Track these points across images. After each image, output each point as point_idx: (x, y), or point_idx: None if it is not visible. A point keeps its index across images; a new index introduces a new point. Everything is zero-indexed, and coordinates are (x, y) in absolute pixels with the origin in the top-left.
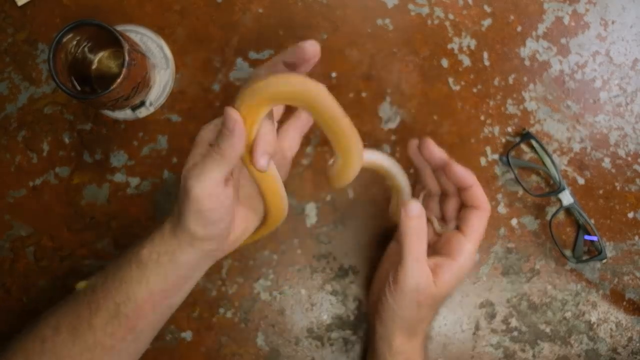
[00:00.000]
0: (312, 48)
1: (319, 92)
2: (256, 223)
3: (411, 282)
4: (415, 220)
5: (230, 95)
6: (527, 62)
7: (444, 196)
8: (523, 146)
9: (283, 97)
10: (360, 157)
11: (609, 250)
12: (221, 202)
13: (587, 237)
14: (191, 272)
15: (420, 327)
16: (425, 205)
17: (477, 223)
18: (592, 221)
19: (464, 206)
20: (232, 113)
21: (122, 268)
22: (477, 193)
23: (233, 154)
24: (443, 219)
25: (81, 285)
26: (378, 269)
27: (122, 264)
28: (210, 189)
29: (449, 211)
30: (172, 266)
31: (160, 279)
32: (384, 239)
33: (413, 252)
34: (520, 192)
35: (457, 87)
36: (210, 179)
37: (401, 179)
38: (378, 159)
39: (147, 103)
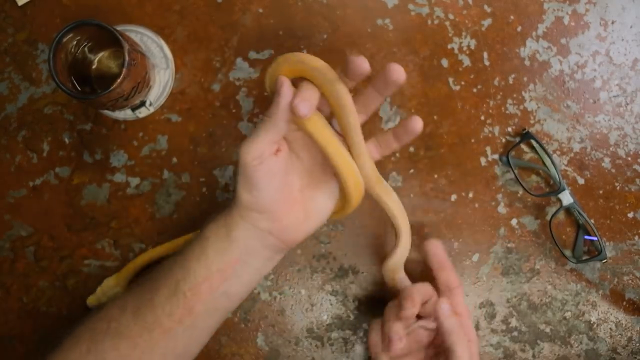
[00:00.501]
0: (396, 71)
1: (329, 72)
2: (321, 216)
3: None
4: (453, 318)
5: (231, 95)
6: (527, 62)
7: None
8: (523, 146)
9: (302, 70)
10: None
11: (609, 250)
12: (268, 168)
13: (587, 237)
14: (245, 254)
15: None
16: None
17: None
18: (592, 221)
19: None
20: (281, 77)
21: (187, 246)
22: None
23: (280, 115)
24: None
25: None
26: (375, 327)
27: (188, 243)
28: (258, 151)
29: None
30: (228, 242)
31: (218, 256)
32: (384, 238)
33: (464, 354)
34: (520, 192)
35: (457, 87)
36: (258, 141)
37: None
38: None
39: (147, 103)
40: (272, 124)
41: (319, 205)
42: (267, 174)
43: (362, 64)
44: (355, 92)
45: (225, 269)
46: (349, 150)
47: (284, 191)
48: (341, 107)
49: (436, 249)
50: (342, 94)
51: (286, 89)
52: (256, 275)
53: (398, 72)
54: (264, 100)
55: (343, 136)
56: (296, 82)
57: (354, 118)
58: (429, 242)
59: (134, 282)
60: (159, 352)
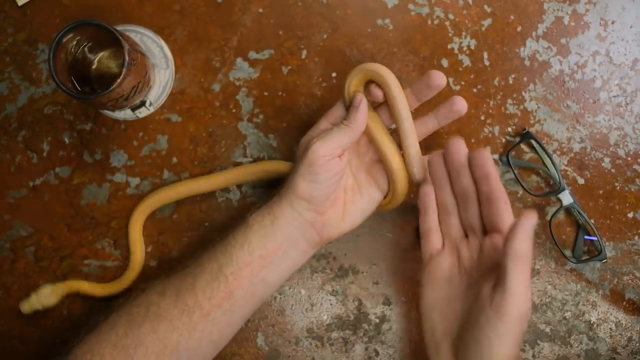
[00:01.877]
0: (437, 78)
1: (390, 75)
2: (356, 218)
3: (521, 309)
4: (527, 242)
5: (231, 95)
6: (527, 62)
7: (462, 204)
8: (523, 146)
9: (371, 75)
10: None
11: (609, 250)
12: (331, 167)
13: (587, 237)
14: (287, 243)
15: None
16: (446, 224)
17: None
18: (592, 221)
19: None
20: (358, 95)
21: (230, 235)
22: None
23: (357, 125)
24: (465, 234)
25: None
26: (426, 320)
27: (230, 232)
28: (329, 150)
29: (472, 218)
30: (272, 229)
31: (261, 243)
32: (383, 238)
33: (522, 277)
34: (520, 192)
35: (457, 87)
36: (333, 142)
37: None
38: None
39: (147, 103)
40: (348, 132)
41: (357, 208)
42: (328, 171)
43: (439, 79)
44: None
45: (266, 256)
46: (400, 139)
47: (334, 189)
48: (396, 104)
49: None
50: (397, 93)
51: (363, 105)
52: (292, 266)
53: (440, 78)
54: (264, 100)
55: (396, 126)
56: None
57: (406, 111)
58: (477, 150)
59: (172, 272)
60: (196, 335)
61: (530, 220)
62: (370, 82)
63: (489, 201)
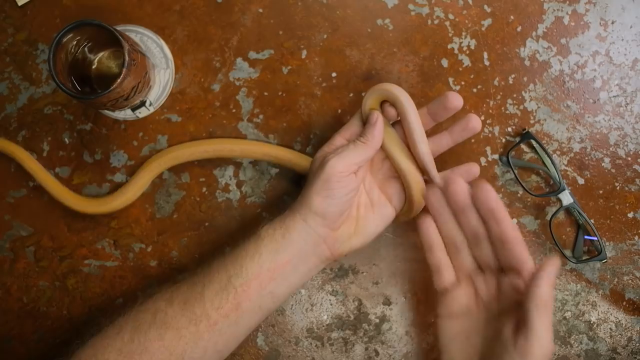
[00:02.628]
0: (454, 99)
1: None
2: (368, 235)
3: (545, 353)
4: (551, 288)
5: (231, 95)
6: (527, 62)
7: (473, 242)
8: (523, 146)
9: (386, 95)
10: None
11: (609, 250)
12: (347, 183)
13: (587, 237)
14: (297, 257)
15: None
16: (458, 260)
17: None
18: (592, 221)
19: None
20: (375, 112)
21: (240, 246)
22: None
23: (374, 142)
24: (480, 268)
25: None
26: (445, 352)
27: (241, 243)
28: (345, 167)
29: (486, 257)
30: (283, 242)
31: (271, 256)
32: (383, 238)
33: (546, 322)
34: (520, 192)
35: (457, 87)
36: (349, 158)
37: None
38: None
39: (147, 103)
40: (364, 149)
41: (369, 225)
42: (344, 187)
43: (456, 100)
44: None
45: (276, 269)
46: (413, 152)
47: (349, 205)
48: (410, 126)
49: (488, 193)
50: (411, 113)
51: (380, 123)
52: (301, 280)
53: (456, 100)
54: (264, 100)
55: (408, 140)
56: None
57: (421, 133)
58: (478, 184)
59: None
60: (202, 345)
61: (554, 266)
62: (385, 102)
63: (502, 242)
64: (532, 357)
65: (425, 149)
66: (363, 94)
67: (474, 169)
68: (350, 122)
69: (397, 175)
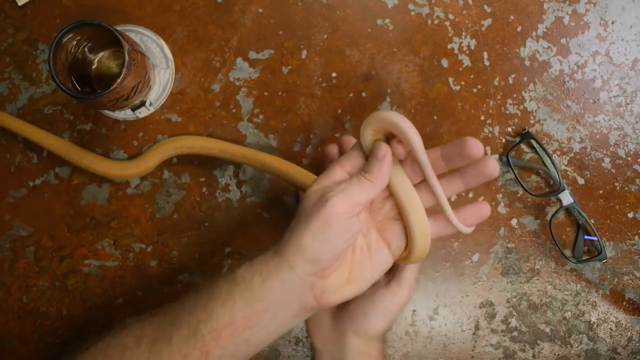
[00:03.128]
0: (474, 146)
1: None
2: (362, 283)
3: (407, 296)
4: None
5: (231, 95)
6: (527, 62)
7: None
8: (523, 146)
9: (392, 129)
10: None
11: (609, 250)
12: (349, 227)
13: (587, 237)
14: (277, 305)
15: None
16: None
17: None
18: (592, 221)
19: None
20: (383, 145)
21: (214, 285)
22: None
23: (381, 181)
24: None
25: None
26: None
27: (216, 281)
28: (348, 208)
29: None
30: (261, 290)
31: (247, 303)
32: None
33: (413, 277)
34: (520, 192)
35: (457, 87)
36: (354, 197)
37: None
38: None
39: (147, 103)
40: (370, 187)
41: (364, 271)
42: (346, 231)
43: (476, 148)
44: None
45: (251, 317)
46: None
47: (345, 251)
48: (417, 156)
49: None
50: (417, 145)
51: (389, 159)
52: (281, 328)
53: (476, 147)
54: (264, 100)
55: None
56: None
57: (429, 164)
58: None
59: (154, 313)
60: None
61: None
62: (391, 136)
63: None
64: (400, 298)
65: (440, 190)
66: (363, 93)
67: (484, 210)
68: (351, 152)
69: (399, 217)
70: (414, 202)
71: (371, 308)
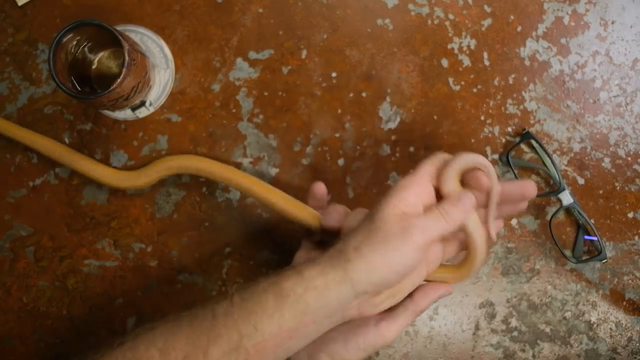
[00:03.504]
0: (533, 190)
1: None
2: (394, 300)
3: (394, 336)
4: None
5: (231, 95)
6: (527, 62)
7: None
8: (523, 146)
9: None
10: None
11: (609, 250)
12: (419, 258)
13: (587, 237)
14: (324, 317)
15: None
16: None
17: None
18: (592, 221)
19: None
20: (470, 198)
21: (254, 298)
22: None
23: (455, 226)
24: None
25: None
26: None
27: (254, 292)
28: (425, 243)
29: None
30: (316, 305)
31: (296, 316)
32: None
33: (408, 320)
34: None
35: (457, 87)
36: (431, 235)
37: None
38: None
39: (147, 103)
40: (446, 229)
41: (405, 286)
42: (415, 261)
43: (532, 190)
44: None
45: (298, 329)
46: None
47: (406, 275)
48: (490, 200)
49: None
50: (495, 191)
51: (474, 217)
52: (318, 334)
53: (532, 190)
54: (264, 100)
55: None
56: None
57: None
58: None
59: (170, 320)
60: None
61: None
62: (465, 177)
63: None
64: (384, 340)
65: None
66: (363, 93)
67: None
68: (419, 176)
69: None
70: (482, 233)
71: (352, 338)
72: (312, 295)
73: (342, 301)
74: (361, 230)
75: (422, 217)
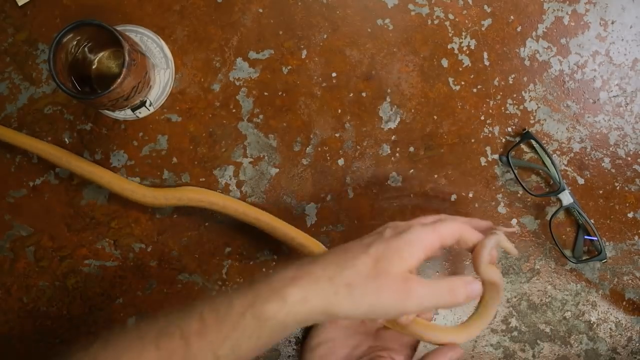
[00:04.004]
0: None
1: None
2: None
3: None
4: None
5: (231, 95)
6: (527, 62)
7: None
8: (523, 146)
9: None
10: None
11: (609, 250)
12: (402, 313)
13: (587, 237)
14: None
15: None
16: None
17: None
18: (592, 221)
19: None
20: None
21: (230, 319)
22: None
23: (458, 302)
24: None
25: None
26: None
27: (230, 314)
28: (415, 309)
29: None
30: (293, 325)
31: (273, 335)
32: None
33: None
34: (520, 192)
35: (457, 87)
36: (426, 302)
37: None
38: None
39: (147, 103)
40: (446, 300)
41: None
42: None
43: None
44: None
45: (273, 342)
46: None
47: None
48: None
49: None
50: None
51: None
52: None
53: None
54: (264, 100)
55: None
56: None
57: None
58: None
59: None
60: None
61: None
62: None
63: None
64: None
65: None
66: (363, 93)
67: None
68: (432, 240)
69: None
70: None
71: None
72: (293, 318)
73: (317, 321)
74: (359, 267)
75: (426, 286)
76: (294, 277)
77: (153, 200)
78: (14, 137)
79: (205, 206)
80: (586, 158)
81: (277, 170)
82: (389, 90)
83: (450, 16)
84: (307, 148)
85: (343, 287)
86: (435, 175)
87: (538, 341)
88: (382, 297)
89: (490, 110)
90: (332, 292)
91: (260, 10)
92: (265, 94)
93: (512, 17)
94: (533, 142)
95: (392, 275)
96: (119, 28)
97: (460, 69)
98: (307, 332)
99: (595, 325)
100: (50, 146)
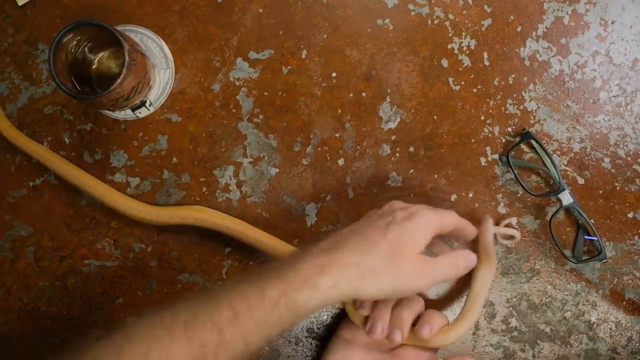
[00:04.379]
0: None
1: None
2: None
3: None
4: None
5: (231, 95)
6: (527, 62)
7: None
8: (523, 146)
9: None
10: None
11: (609, 250)
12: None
13: (587, 237)
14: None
15: None
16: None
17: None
18: (592, 221)
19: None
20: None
21: (263, 307)
22: None
23: (460, 269)
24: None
25: None
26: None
27: (264, 306)
28: (431, 285)
29: None
30: (320, 309)
31: (300, 320)
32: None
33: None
34: (520, 192)
35: (457, 87)
36: (439, 276)
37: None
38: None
39: (147, 103)
40: (452, 270)
41: None
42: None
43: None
44: None
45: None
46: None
47: None
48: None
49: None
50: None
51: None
52: None
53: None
54: (264, 100)
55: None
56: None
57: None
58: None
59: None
60: None
61: None
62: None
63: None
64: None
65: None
66: (363, 93)
67: None
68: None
69: None
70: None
71: None
72: (323, 303)
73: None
74: (381, 253)
75: (435, 264)
76: (322, 265)
77: (157, 219)
78: (19, 140)
79: (208, 227)
80: (586, 158)
81: (277, 170)
82: (389, 90)
83: (450, 16)
84: (307, 148)
85: (369, 273)
86: (435, 175)
87: (538, 341)
88: (403, 279)
89: (490, 110)
90: (359, 277)
91: (260, 10)
92: (265, 94)
93: (512, 17)
94: (533, 142)
95: (409, 258)
96: (119, 28)
97: (460, 69)
98: (323, 350)
99: (595, 325)
100: (65, 163)
